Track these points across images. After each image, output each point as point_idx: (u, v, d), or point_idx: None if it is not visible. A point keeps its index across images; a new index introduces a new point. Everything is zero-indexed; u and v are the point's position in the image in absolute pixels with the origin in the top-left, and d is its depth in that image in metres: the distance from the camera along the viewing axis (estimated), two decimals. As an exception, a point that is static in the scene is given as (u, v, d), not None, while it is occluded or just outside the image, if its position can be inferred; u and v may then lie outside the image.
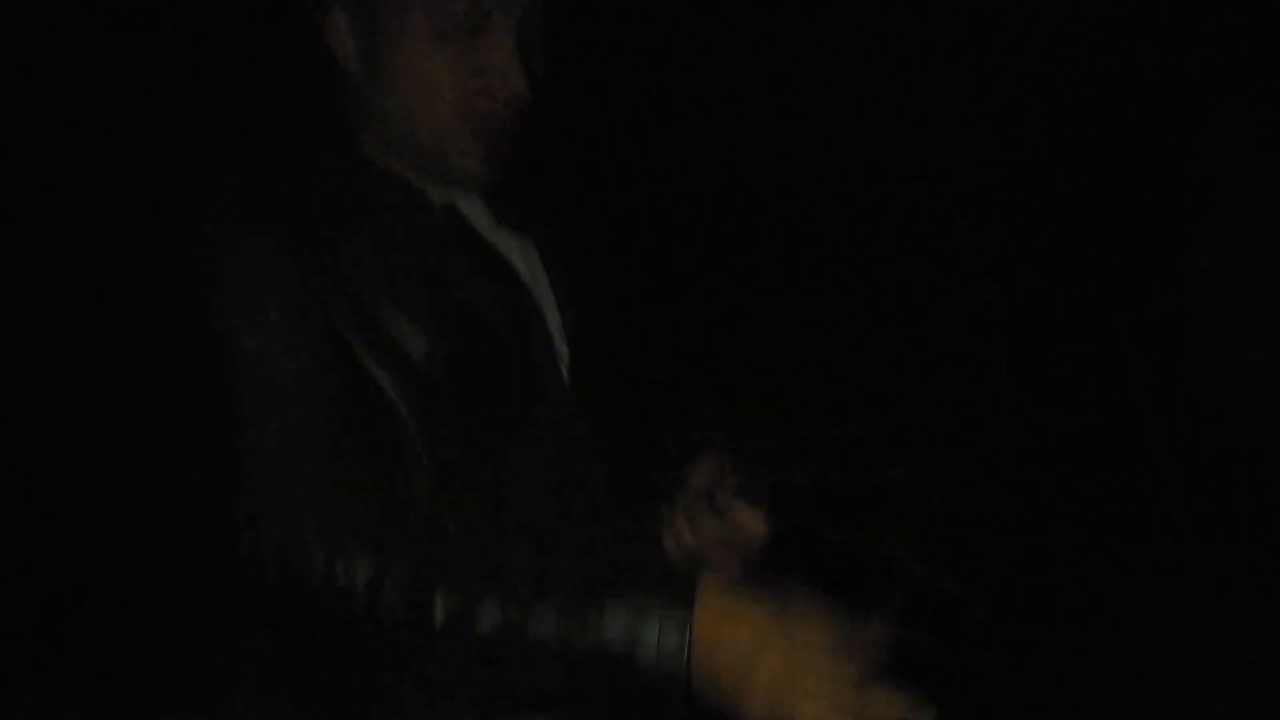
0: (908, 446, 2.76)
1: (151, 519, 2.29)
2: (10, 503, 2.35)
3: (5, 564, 2.30)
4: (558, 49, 1.37)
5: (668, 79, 2.91)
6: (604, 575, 1.16)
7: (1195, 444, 2.70)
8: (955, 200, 3.12)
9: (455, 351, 1.25)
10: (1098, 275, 3.13)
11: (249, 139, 1.39)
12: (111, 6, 2.41)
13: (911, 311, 3.09)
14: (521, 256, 1.37)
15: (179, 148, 1.41)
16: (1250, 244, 2.47)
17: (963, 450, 3.07)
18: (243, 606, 1.27)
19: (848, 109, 3.04)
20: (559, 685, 1.15)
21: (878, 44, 3.04)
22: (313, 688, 1.25)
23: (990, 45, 3.08)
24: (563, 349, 1.35)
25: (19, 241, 2.39)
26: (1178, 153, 3.01)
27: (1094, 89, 3.09)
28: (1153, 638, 2.94)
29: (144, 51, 2.40)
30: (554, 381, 1.33)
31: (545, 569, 1.17)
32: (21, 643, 2.32)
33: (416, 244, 1.29)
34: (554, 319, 1.36)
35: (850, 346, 3.04)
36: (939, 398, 3.06)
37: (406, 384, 1.23)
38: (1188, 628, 2.81)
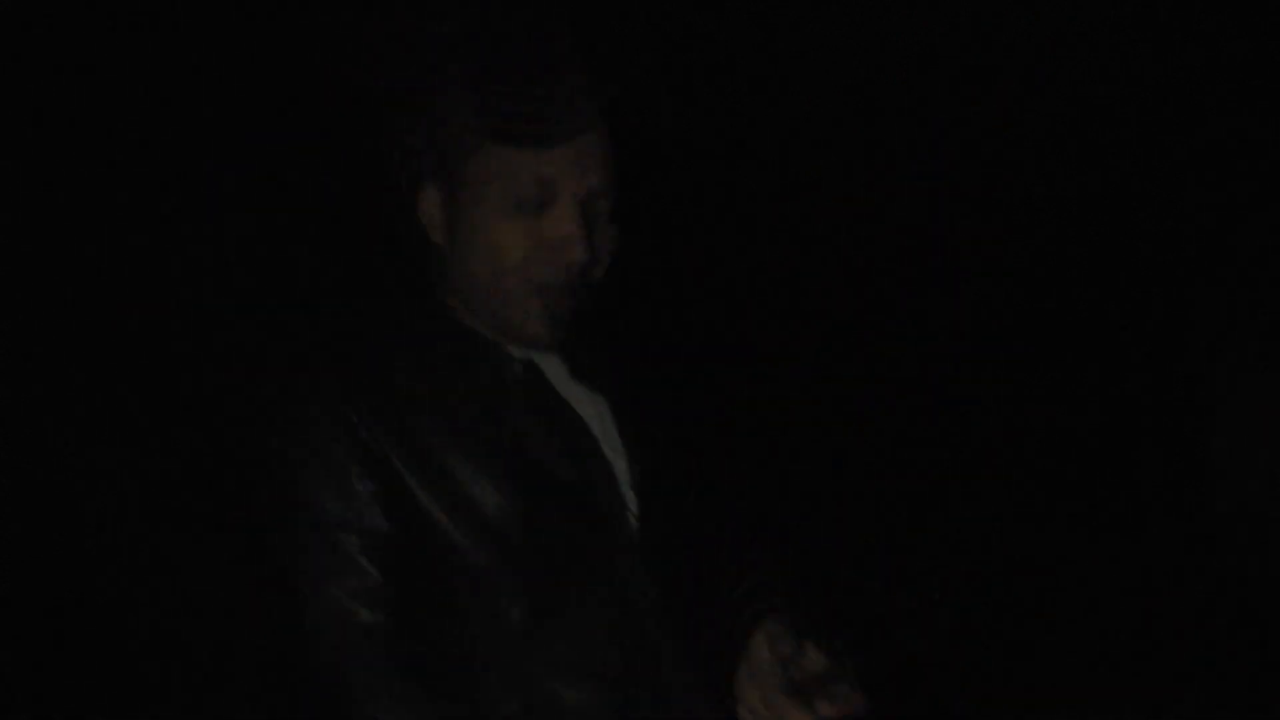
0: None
1: (217, 671, 2.32)
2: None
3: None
4: (632, 221, 1.46)
5: (735, 249, 3.05)
6: None
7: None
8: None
9: (528, 506, 1.31)
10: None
11: (340, 305, 1.48)
12: (210, 180, 2.48)
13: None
14: (594, 411, 1.43)
15: (272, 326, 1.48)
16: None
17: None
18: None
19: (908, 248, 3.15)
20: None
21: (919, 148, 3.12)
22: None
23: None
24: (632, 501, 1.39)
25: (118, 412, 2.45)
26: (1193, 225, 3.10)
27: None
28: (1150, 637, 2.94)
29: (234, 228, 2.48)
30: (622, 535, 1.37)
31: None
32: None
33: (496, 399, 1.37)
34: (623, 472, 1.41)
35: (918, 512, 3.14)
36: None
37: (480, 538, 1.29)
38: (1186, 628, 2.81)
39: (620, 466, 1.41)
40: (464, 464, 1.30)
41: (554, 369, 1.43)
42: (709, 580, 1.42)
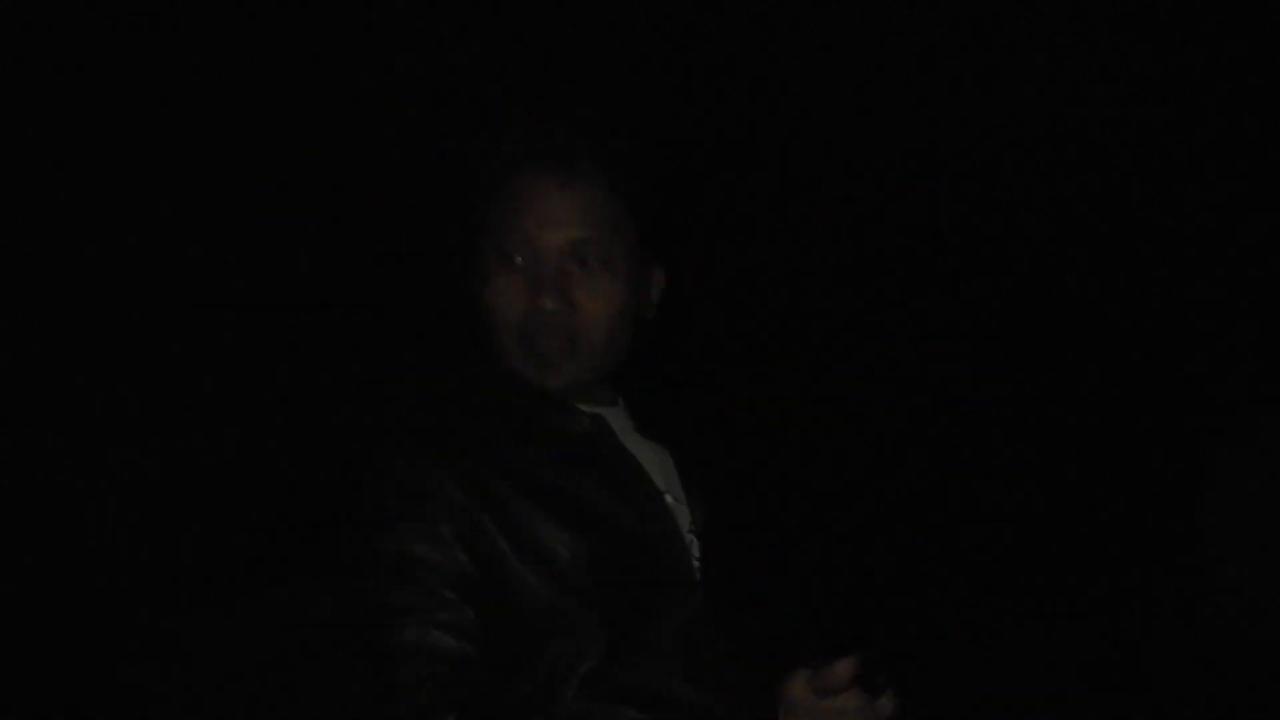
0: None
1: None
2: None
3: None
4: (690, 279, 1.54)
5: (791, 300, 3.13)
6: None
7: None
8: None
9: (594, 549, 1.38)
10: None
11: (430, 371, 1.57)
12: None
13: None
14: (658, 461, 1.51)
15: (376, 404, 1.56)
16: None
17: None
18: None
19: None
20: None
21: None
22: None
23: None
24: (694, 545, 1.46)
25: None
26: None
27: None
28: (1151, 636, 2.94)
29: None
30: (685, 576, 1.44)
31: None
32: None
33: (564, 451, 1.45)
34: (685, 518, 1.48)
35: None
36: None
37: (550, 578, 1.36)
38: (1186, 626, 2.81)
39: (683, 513, 1.48)
40: (535, 510, 1.37)
41: (620, 423, 1.51)
42: (765, 619, 1.50)
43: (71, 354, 2.47)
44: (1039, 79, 3.13)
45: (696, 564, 1.44)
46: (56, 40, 2.41)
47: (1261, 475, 2.26)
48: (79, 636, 2.40)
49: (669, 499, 1.46)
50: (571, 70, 2.69)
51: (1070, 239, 3.30)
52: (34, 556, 2.44)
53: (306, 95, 2.60)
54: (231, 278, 2.60)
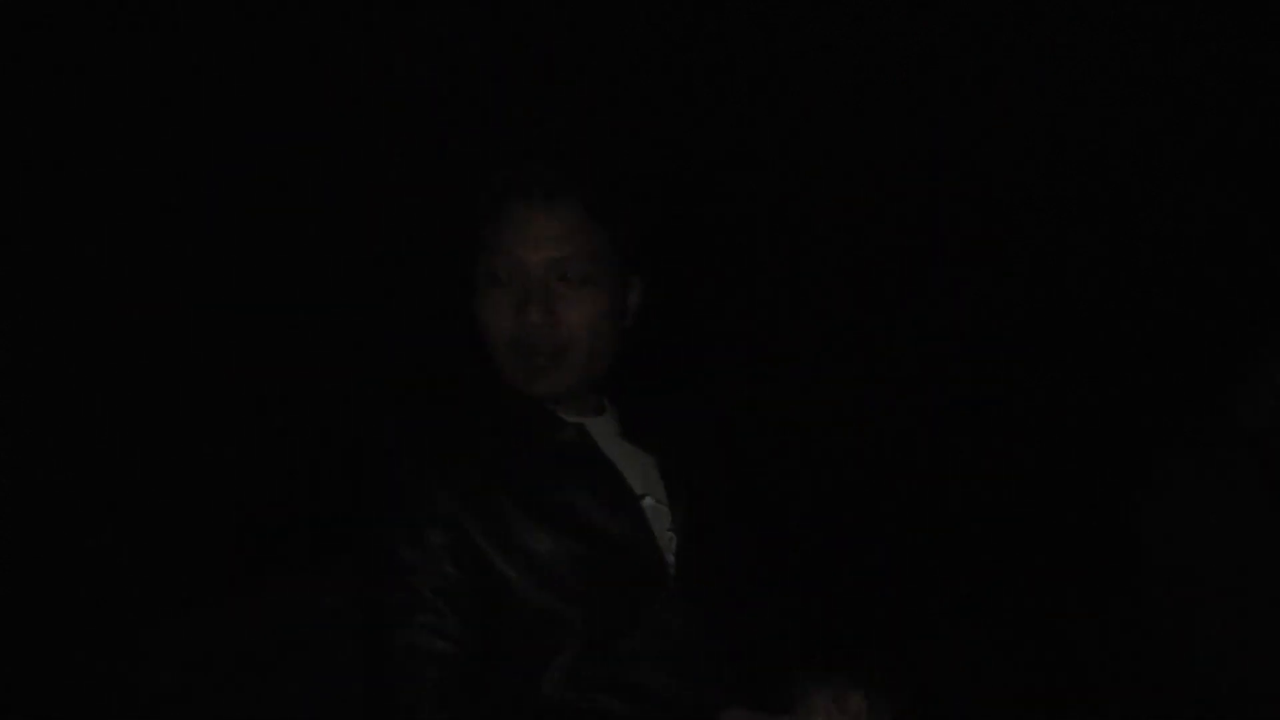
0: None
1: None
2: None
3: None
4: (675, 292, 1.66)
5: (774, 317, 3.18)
6: None
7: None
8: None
9: (575, 551, 1.49)
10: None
11: (424, 389, 1.73)
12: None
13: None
14: (640, 465, 1.62)
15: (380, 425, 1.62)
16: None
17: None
18: None
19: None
20: None
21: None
22: None
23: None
24: (670, 550, 1.55)
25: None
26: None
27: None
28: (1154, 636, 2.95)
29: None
30: (660, 575, 1.53)
31: None
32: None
33: (548, 459, 1.57)
34: (665, 518, 1.58)
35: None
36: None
37: (533, 580, 1.47)
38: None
39: (663, 514, 1.58)
40: (519, 512, 1.49)
41: (603, 430, 1.63)
42: (751, 615, 1.60)
43: (71, 354, 2.48)
44: (1039, 80, 3.13)
45: (671, 560, 1.53)
46: (56, 40, 2.41)
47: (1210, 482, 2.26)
48: (78, 636, 2.40)
49: (649, 501, 1.57)
50: (569, 79, 2.70)
51: (1071, 240, 3.30)
52: (33, 556, 2.44)
53: (311, 98, 2.60)
54: (231, 278, 2.60)
